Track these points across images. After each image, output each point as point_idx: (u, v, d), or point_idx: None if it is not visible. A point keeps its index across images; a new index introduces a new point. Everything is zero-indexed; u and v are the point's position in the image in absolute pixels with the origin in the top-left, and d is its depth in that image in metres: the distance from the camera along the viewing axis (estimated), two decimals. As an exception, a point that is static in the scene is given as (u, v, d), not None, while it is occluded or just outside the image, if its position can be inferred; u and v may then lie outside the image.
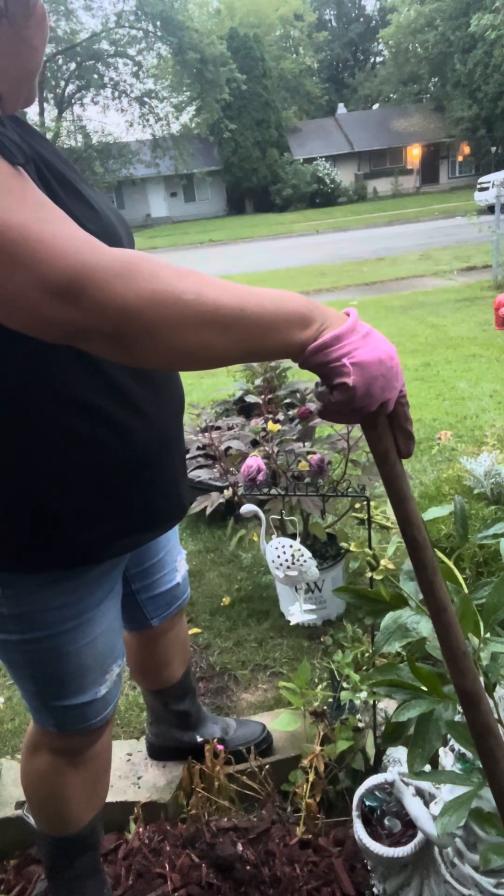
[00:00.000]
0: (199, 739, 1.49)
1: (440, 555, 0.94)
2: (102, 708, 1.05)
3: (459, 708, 0.96)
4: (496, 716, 0.94)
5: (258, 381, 2.81)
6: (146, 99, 28.68)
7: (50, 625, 0.95)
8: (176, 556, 1.31)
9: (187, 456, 2.58)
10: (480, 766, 0.90)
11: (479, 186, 17.66)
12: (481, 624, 0.86)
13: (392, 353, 0.70)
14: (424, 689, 0.86)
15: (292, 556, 1.61)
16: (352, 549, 1.51)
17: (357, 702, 1.39)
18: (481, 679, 0.90)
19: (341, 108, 36.93)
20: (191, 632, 2.04)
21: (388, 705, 1.47)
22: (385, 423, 0.72)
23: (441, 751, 1.09)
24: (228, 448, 2.26)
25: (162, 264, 0.64)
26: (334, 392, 0.69)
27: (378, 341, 0.70)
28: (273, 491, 1.76)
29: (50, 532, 0.89)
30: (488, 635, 0.86)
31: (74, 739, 1.07)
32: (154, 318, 0.61)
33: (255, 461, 1.77)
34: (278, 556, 1.62)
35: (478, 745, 0.75)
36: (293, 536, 1.99)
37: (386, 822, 1.18)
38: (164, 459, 0.98)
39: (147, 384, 0.93)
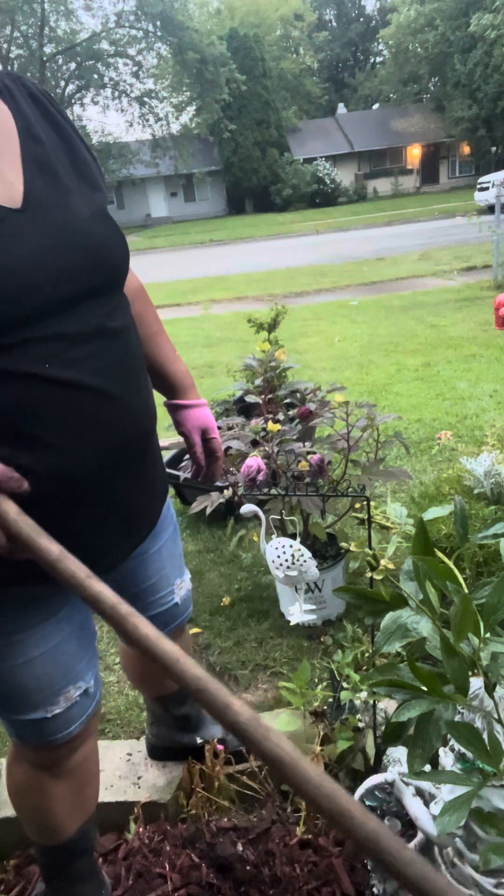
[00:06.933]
0: (199, 741, 1.49)
1: (440, 555, 0.94)
2: (61, 727, 1.02)
3: (460, 707, 0.97)
4: (496, 716, 0.94)
5: (258, 381, 2.81)
6: (146, 99, 28.73)
7: None
8: (173, 580, 1.25)
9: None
10: (480, 765, 0.90)
11: (479, 186, 17.67)
12: (481, 624, 0.86)
13: None
14: (424, 689, 0.86)
15: (292, 556, 1.60)
16: (352, 549, 1.51)
17: (357, 702, 1.39)
18: (481, 679, 0.90)
19: (341, 108, 36.94)
20: (191, 632, 2.04)
21: (388, 705, 1.47)
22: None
23: (441, 751, 1.09)
24: (228, 448, 2.26)
25: None
26: None
27: None
28: (273, 491, 1.76)
29: None
30: (488, 635, 0.86)
31: (44, 753, 1.05)
32: None
33: (255, 461, 1.77)
34: (278, 556, 1.62)
35: None
36: (293, 536, 1.99)
37: (386, 822, 1.18)
38: (84, 500, 0.92)
39: (66, 424, 0.87)
